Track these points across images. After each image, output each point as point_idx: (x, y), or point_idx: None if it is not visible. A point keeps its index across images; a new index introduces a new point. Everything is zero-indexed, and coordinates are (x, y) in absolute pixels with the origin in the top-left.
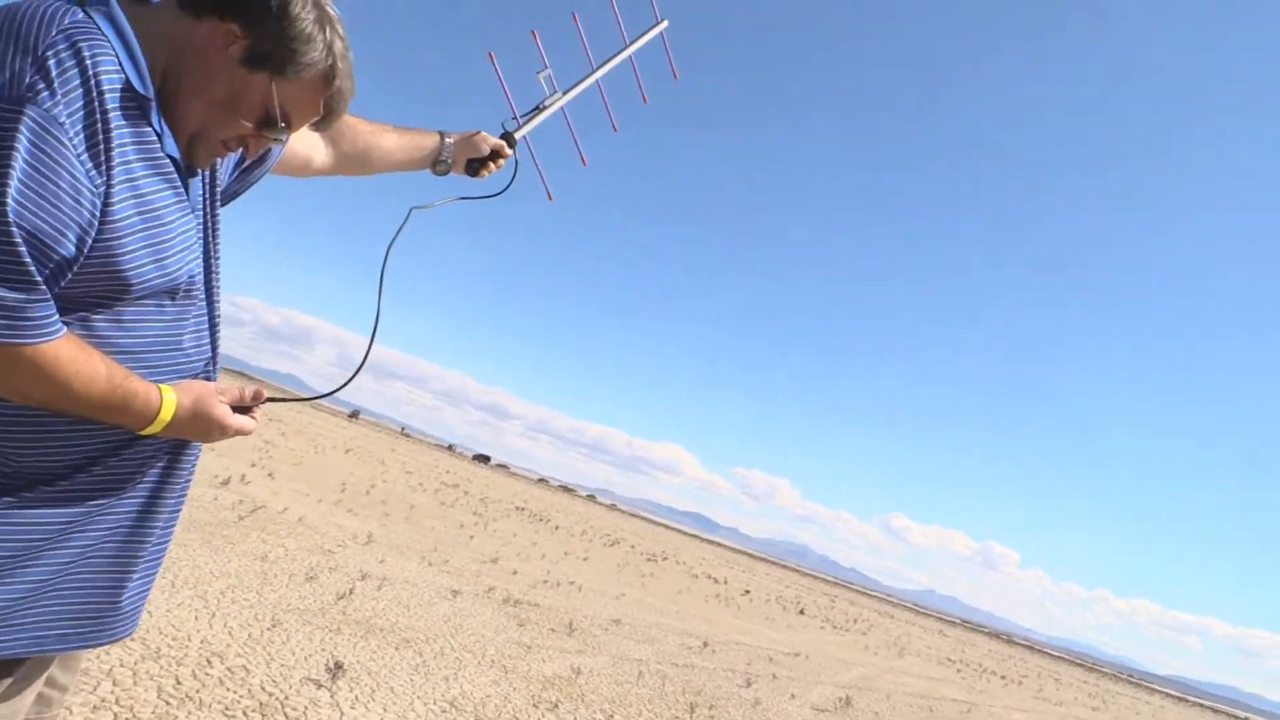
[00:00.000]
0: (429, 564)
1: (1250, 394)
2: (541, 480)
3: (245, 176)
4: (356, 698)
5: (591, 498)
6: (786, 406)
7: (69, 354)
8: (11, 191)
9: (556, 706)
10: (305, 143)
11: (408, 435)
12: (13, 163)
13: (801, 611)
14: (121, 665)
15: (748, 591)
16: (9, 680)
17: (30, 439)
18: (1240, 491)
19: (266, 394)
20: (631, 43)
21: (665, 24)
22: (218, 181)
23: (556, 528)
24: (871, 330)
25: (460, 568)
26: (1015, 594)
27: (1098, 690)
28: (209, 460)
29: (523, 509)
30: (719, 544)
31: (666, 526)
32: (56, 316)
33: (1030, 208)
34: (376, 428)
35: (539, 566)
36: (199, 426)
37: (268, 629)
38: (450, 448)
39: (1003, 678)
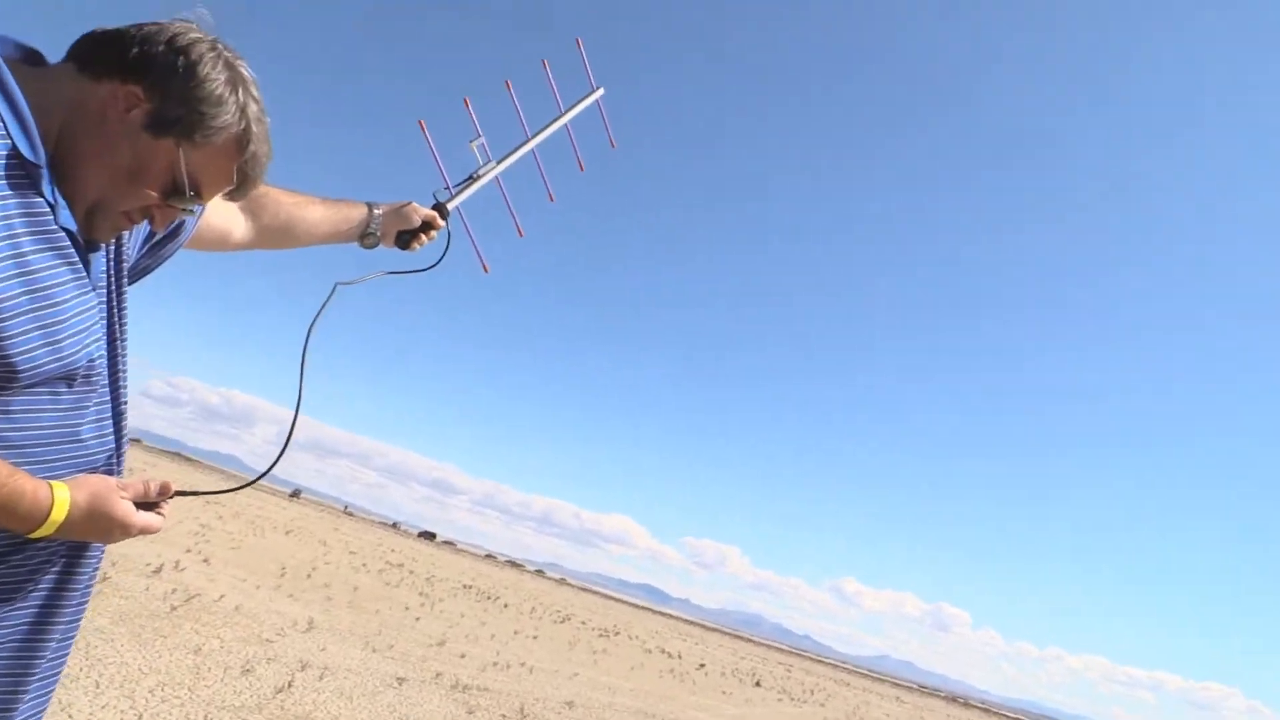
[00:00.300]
0: (373, 650)
1: (1203, 446)
2: (489, 556)
3: (156, 251)
4: None
5: (540, 573)
6: (734, 474)
7: None
8: None
9: None
10: (222, 215)
11: (351, 514)
12: None
13: (758, 683)
14: None
15: (702, 665)
16: None
17: None
18: (1185, 546)
19: (175, 487)
20: (567, 110)
21: (601, 91)
22: (124, 257)
23: (505, 605)
24: (817, 397)
25: (406, 652)
26: (969, 655)
27: None
28: (140, 547)
29: (470, 587)
30: (671, 616)
31: (618, 600)
32: None
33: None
34: (319, 507)
35: (488, 648)
36: (97, 526)
37: None
38: (395, 525)
39: None
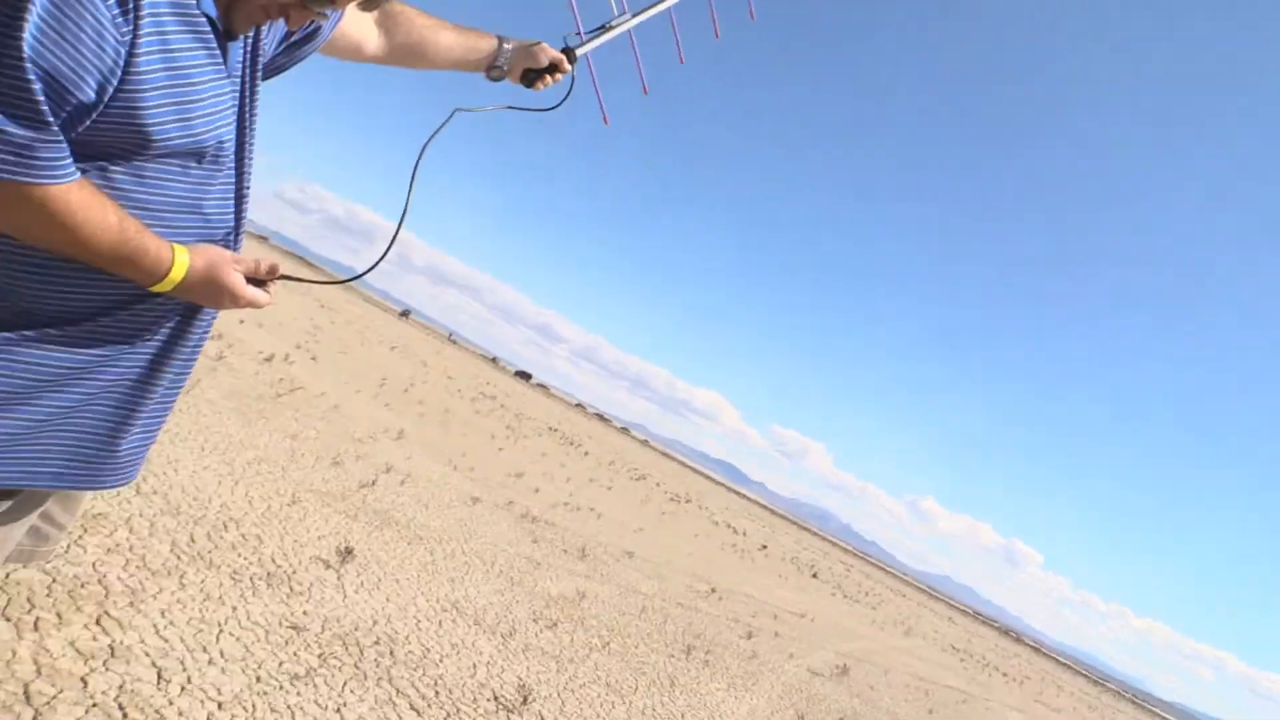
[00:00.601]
0: (454, 468)
1: None
2: (579, 405)
3: (292, 52)
4: (362, 583)
5: (626, 431)
6: (835, 373)
7: (80, 200)
8: (30, 28)
9: (555, 625)
10: (357, 26)
11: (454, 342)
12: (33, 2)
13: (815, 575)
14: (140, 515)
15: (765, 547)
16: (3, 506)
17: (42, 281)
18: None
19: (282, 269)
20: None
21: None
22: (261, 52)
23: (586, 453)
24: (934, 315)
25: (484, 477)
26: (1033, 595)
27: (1098, 703)
28: (255, 336)
29: (556, 430)
30: (745, 496)
31: (696, 471)
32: (70, 160)
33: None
34: (425, 330)
35: (562, 488)
36: (210, 291)
37: (287, 504)
38: (494, 360)
39: (1005, 675)
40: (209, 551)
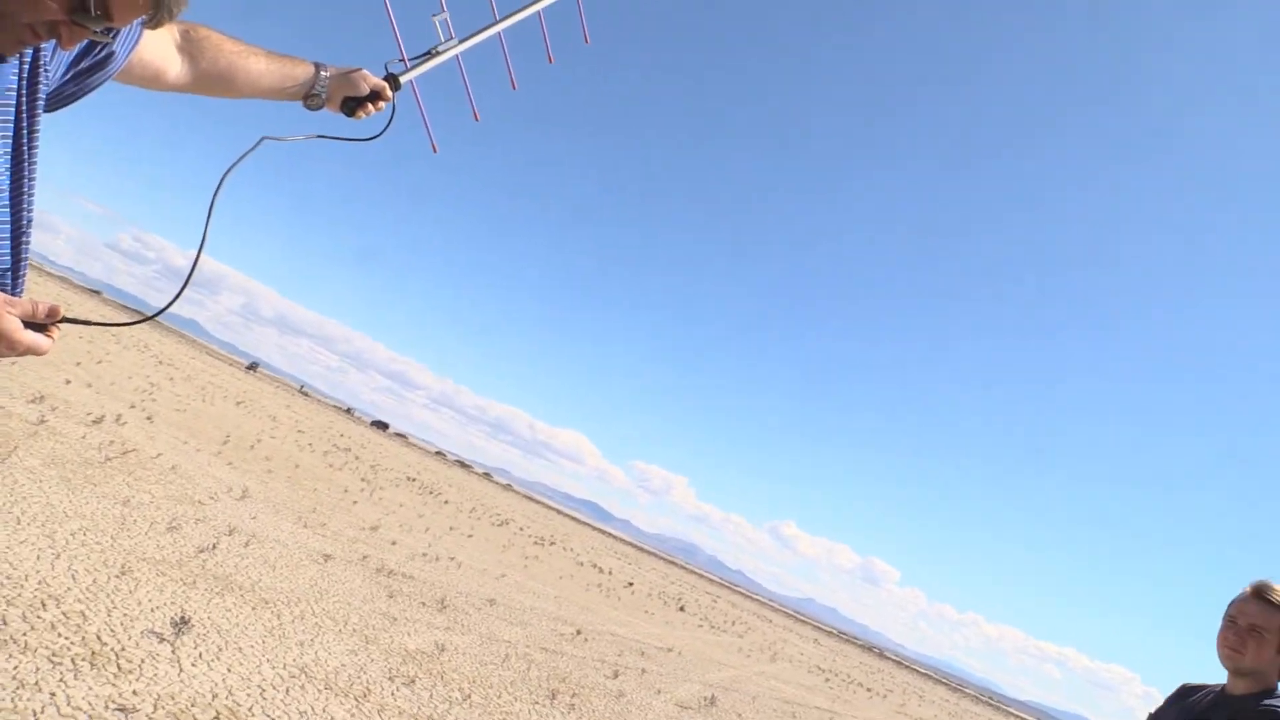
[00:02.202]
0: (304, 525)
1: (1144, 439)
2: (439, 453)
3: (81, 80)
4: (200, 655)
5: (488, 476)
6: (694, 407)
7: None
8: None
9: (413, 682)
10: (156, 51)
11: (306, 394)
12: None
13: (682, 608)
14: None
15: (631, 584)
16: None
17: None
18: (1111, 531)
19: (64, 311)
20: None
21: None
22: (41, 77)
23: (446, 502)
24: (781, 340)
25: (337, 532)
26: (893, 610)
27: (958, 710)
28: (83, 396)
29: (414, 479)
30: (610, 534)
31: (559, 512)
32: None
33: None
34: (275, 383)
35: (421, 539)
36: None
37: (116, 576)
38: (349, 411)
39: (869, 690)
40: (23, 634)
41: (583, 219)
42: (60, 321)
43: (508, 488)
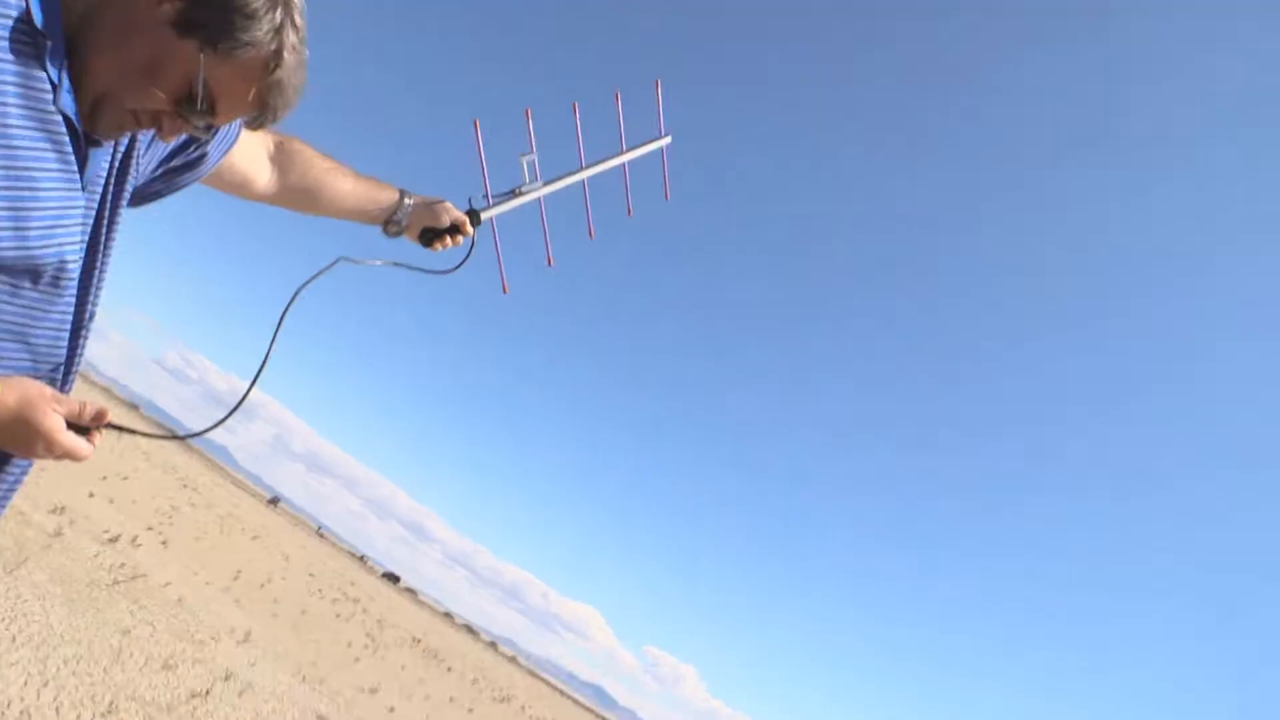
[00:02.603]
0: (303, 679)
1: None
2: (447, 614)
3: (171, 178)
4: None
5: (494, 645)
6: (715, 594)
7: None
8: None
9: None
10: (248, 158)
11: (323, 535)
12: None
13: None
14: None
15: None
16: None
17: None
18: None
19: (111, 415)
20: (629, 150)
21: (668, 140)
22: (131, 170)
23: (449, 669)
24: (829, 539)
25: (336, 691)
26: None
27: None
28: (104, 512)
29: (419, 641)
30: None
31: (564, 693)
32: None
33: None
34: (293, 520)
35: (419, 708)
36: (20, 434)
37: (102, 713)
38: (362, 559)
39: None
40: None
41: (635, 386)
42: (105, 427)
43: (513, 660)
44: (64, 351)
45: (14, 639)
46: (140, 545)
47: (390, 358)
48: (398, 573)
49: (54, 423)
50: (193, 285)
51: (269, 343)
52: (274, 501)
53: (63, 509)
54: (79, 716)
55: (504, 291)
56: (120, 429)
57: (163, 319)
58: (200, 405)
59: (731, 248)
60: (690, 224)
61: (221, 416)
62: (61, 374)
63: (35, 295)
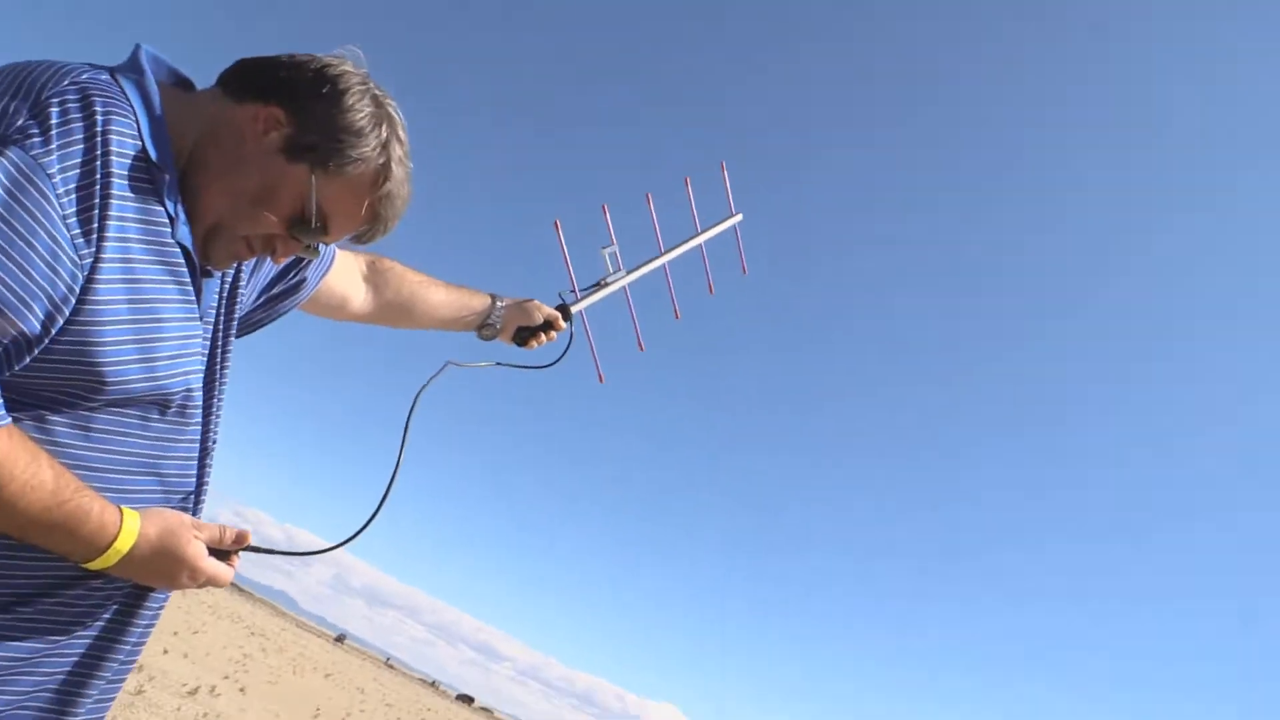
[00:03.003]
0: None
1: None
2: None
3: (271, 306)
4: None
5: None
6: (809, 686)
7: (6, 450)
8: None
9: None
10: (344, 280)
11: (392, 666)
12: None
13: None
14: None
15: None
16: None
17: None
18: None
19: (251, 538)
20: (704, 231)
21: (740, 217)
22: (239, 299)
23: None
24: (916, 619)
25: None
26: None
27: None
28: (179, 666)
29: None
30: None
31: None
32: None
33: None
34: (361, 655)
35: None
36: (163, 565)
37: None
38: (434, 684)
39: None
40: None
41: (705, 476)
42: (244, 550)
43: None
44: (194, 480)
45: None
46: (219, 695)
47: (434, 485)
48: (471, 694)
49: (197, 550)
50: (247, 446)
51: (399, 450)
52: (340, 639)
53: (141, 667)
54: None
55: (600, 381)
56: (259, 550)
57: (217, 476)
58: (256, 557)
59: (814, 315)
60: (772, 294)
61: (359, 527)
62: (192, 503)
63: (164, 426)
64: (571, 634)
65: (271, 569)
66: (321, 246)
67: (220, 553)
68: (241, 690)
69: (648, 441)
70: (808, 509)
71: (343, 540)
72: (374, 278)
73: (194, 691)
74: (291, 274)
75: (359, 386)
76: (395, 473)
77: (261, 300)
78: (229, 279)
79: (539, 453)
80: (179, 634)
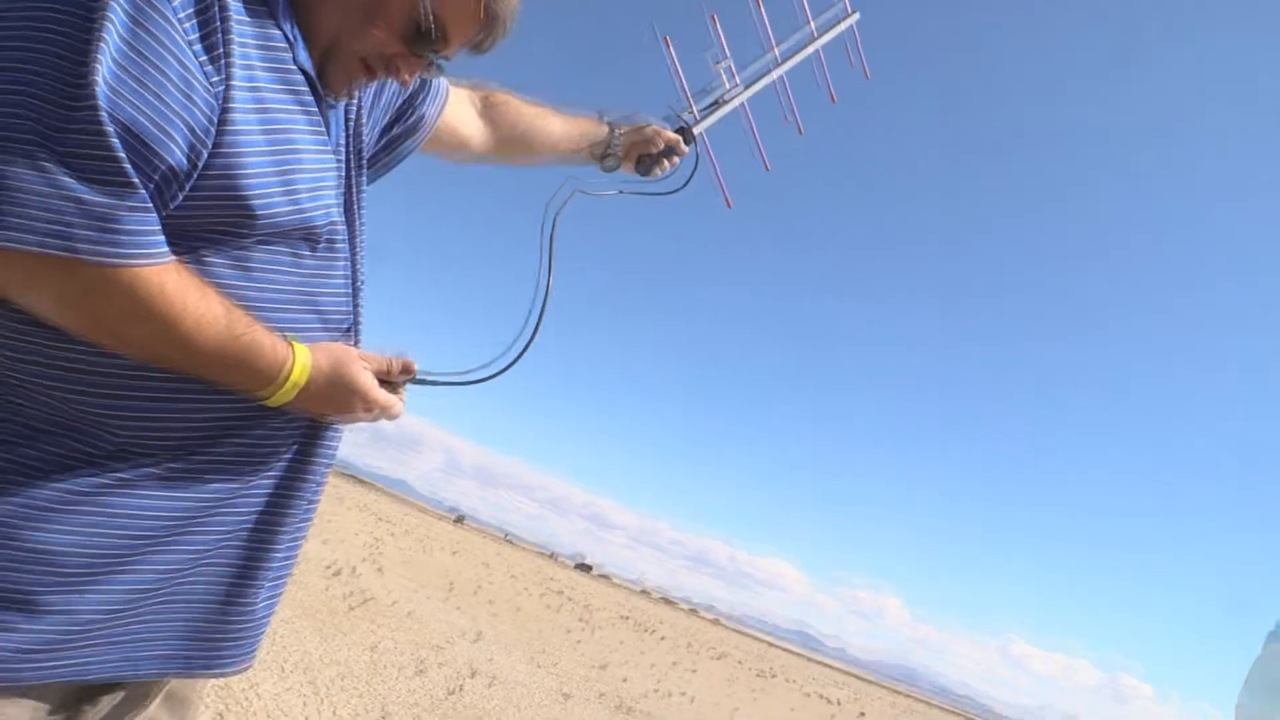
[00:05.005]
0: (538, 665)
1: None
2: (644, 591)
3: (394, 147)
4: None
5: (695, 611)
6: (904, 520)
7: (176, 285)
8: (103, 73)
9: None
10: (461, 118)
11: (511, 541)
12: (105, 39)
13: None
14: None
15: (863, 715)
16: (94, 711)
17: (133, 404)
18: None
19: (417, 369)
20: (820, 35)
21: (856, 16)
22: (364, 136)
23: (662, 638)
24: (1007, 446)
25: (569, 671)
26: None
27: None
28: (319, 550)
29: (627, 618)
30: (827, 664)
31: (771, 644)
32: (160, 234)
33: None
34: (480, 533)
35: (648, 675)
36: (338, 396)
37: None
38: (553, 555)
39: None
40: None
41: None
42: (411, 381)
43: (716, 622)
44: (349, 315)
45: (282, 667)
46: (360, 574)
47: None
48: (589, 562)
49: (369, 380)
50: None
51: (547, 272)
52: (459, 519)
53: None
54: None
55: (728, 206)
56: (425, 381)
57: None
58: (366, 445)
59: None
60: (892, 101)
61: (521, 350)
62: (353, 337)
63: (314, 261)
64: (679, 497)
65: (383, 457)
66: (441, 64)
67: (388, 385)
68: (379, 570)
69: (764, 295)
70: (923, 361)
71: (504, 366)
72: (489, 112)
73: (338, 572)
74: (409, 113)
75: (459, 228)
76: (547, 294)
77: (383, 142)
78: (352, 113)
79: (641, 313)
80: (314, 523)
